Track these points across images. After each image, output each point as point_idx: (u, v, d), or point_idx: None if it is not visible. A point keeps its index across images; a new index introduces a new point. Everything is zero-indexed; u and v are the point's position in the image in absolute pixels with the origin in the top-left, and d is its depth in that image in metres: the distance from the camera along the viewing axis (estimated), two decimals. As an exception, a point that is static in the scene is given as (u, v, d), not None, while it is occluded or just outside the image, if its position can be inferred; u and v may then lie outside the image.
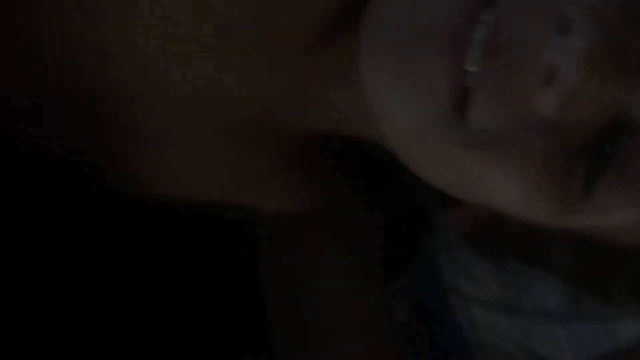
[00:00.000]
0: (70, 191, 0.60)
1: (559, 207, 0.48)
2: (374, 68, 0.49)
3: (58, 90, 0.57)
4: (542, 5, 0.46)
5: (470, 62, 0.46)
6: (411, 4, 0.48)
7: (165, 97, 0.57)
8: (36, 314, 0.58)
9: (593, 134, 0.47)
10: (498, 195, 0.49)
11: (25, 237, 0.59)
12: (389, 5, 0.49)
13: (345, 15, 0.54)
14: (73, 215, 0.60)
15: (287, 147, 0.61)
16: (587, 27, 0.44)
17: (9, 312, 0.57)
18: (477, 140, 0.47)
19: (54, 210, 0.59)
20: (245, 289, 0.63)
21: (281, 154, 0.61)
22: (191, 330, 0.61)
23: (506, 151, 0.47)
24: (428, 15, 0.47)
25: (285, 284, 0.63)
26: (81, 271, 0.60)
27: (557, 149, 0.47)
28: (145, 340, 0.61)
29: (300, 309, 0.62)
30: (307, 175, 0.63)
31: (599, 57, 0.44)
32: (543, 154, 0.47)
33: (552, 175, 0.47)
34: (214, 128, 0.59)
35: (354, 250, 0.65)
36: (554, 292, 0.75)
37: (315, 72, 0.56)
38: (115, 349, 0.60)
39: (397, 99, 0.49)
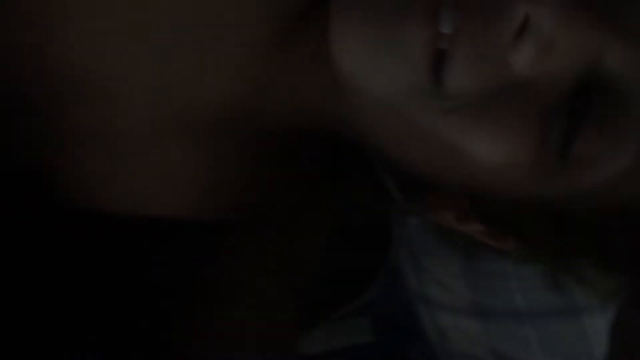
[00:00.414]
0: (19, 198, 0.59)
1: (538, 168, 0.49)
2: (349, 38, 0.49)
3: (16, 86, 0.57)
4: None
5: (444, 24, 0.46)
6: None
7: (135, 97, 0.57)
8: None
9: (566, 88, 0.47)
10: (477, 162, 0.49)
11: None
12: None
13: (313, 3, 0.54)
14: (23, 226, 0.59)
15: (252, 150, 0.61)
16: None
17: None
18: (455, 105, 0.48)
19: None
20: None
21: (245, 158, 0.61)
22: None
23: (483, 113, 0.48)
24: None
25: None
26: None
27: (532, 107, 0.47)
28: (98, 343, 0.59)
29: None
30: (267, 179, 0.62)
31: (573, 6, 0.45)
32: (519, 112, 0.47)
33: (530, 133, 0.47)
34: (181, 130, 0.59)
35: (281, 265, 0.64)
36: (524, 291, 0.75)
37: (286, 62, 0.56)
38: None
39: (373, 68, 0.49)
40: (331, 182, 0.67)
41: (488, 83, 0.47)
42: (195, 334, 0.59)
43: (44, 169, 0.59)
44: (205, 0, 0.55)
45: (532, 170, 0.49)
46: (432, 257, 0.77)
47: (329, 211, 0.67)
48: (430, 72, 0.47)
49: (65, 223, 0.59)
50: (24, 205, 0.59)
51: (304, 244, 0.65)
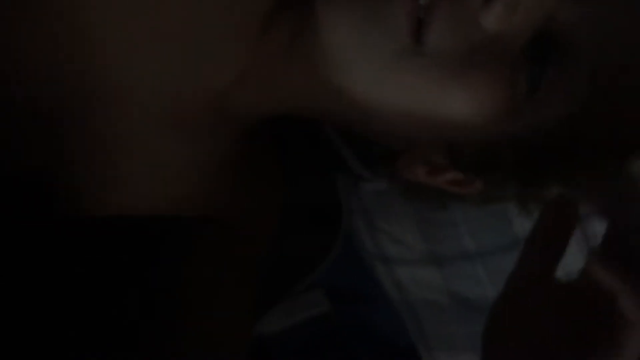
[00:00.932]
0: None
1: (510, 110, 0.58)
2: (337, 13, 0.57)
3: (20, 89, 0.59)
4: None
5: None
6: None
7: (129, 87, 0.61)
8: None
9: (529, 38, 0.57)
10: (456, 111, 0.58)
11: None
12: None
13: None
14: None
15: (232, 143, 0.66)
16: None
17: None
18: (434, 62, 0.56)
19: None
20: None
21: (226, 151, 0.66)
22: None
23: (460, 66, 0.56)
24: None
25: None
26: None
27: (502, 57, 0.57)
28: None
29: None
30: (241, 170, 0.67)
31: None
32: (491, 63, 0.57)
33: (502, 80, 0.57)
34: (172, 127, 0.63)
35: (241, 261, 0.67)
36: (472, 234, 0.85)
37: (269, 52, 0.62)
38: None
39: (361, 38, 0.57)
40: (286, 162, 0.73)
41: (463, 41, 0.56)
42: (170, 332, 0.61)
43: (42, 173, 0.61)
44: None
45: (505, 112, 0.58)
46: (388, 217, 0.85)
47: (282, 189, 0.73)
48: (412, 36, 0.56)
49: (56, 230, 0.60)
50: (17, 212, 0.60)
51: (260, 224, 0.69)
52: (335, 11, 0.58)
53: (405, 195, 0.77)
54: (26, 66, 0.61)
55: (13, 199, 0.60)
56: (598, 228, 0.74)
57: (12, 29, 0.60)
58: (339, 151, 0.77)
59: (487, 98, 0.58)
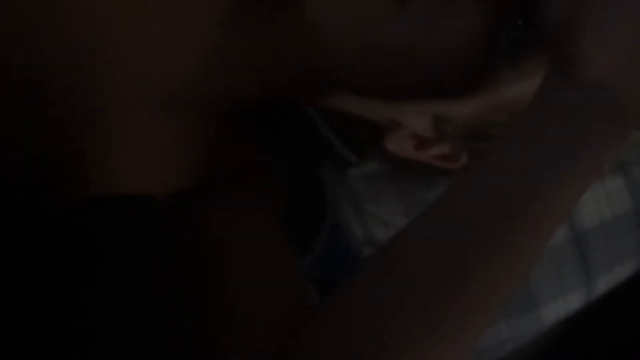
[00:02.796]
0: None
1: (493, 76, 0.60)
2: None
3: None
4: None
5: None
6: None
7: (112, 64, 0.61)
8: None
9: (511, 7, 0.59)
10: (437, 70, 0.60)
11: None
12: None
13: None
14: None
15: (215, 121, 0.67)
16: None
17: None
18: (418, 23, 0.58)
19: None
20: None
21: (210, 129, 0.66)
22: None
23: (444, 24, 0.58)
24: None
25: (197, 252, 0.64)
26: None
27: (484, 17, 0.59)
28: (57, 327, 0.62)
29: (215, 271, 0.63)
30: (225, 146, 0.68)
31: None
32: (474, 23, 0.59)
33: (482, 28, 0.59)
34: (157, 98, 0.63)
35: (262, 213, 0.68)
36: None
37: (245, 28, 0.63)
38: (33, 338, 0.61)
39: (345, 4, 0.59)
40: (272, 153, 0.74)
41: (446, 3, 0.58)
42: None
43: (27, 154, 0.62)
44: None
45: (484, 69, 0.60)
46: (375, 201, 0.87)
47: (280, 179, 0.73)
48: (396, 3, 0.58)
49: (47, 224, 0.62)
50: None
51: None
52: None
53: (393, 174, 0.78)
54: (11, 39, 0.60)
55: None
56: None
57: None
58: (325, 138, 0.78)
59: (469, 45, 0.59)
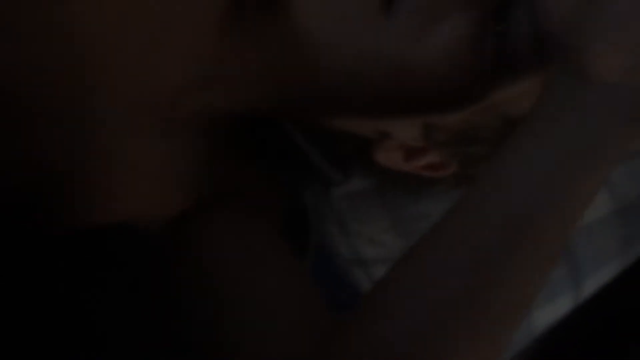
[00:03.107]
0: None
1: (477, 79, 0.61)
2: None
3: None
4: None
5: None
6: None
7: (104, 81, 0.62)
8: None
9: (488, 11, 0.59)
10: (425, 74, 0.60)
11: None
12: None
13: None
14: None
15: (208, 139, 0.67)
16: None
17: None
18: (405, 21, 0.59)
19: None
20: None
21: (203, 147, 0.67)
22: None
23: (430, 32, 0.59)
24: None
25: (202, 273, 0.65)
26: None
27: (467, 26, 0.59)
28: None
29: (227, 293, 0.64)
30: (221, 164, 0.68)
31: None
32: (459, 30, 0.59)
33: (470, 35, 0.59)
34: (147, 117, 0.64)
35: (269, 229, 0.69)
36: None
37: (235, 44, 0.63)
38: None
39: (333, 15, 0.59)
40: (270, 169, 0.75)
41: (433, 7, 0.58)
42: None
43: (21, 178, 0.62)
44: None
45: (472, 77, 0.61)
46: (361, 220, 0.87)
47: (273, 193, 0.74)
48: (383, 8, 0.58)
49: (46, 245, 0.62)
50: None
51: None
52: None
53: (380, 190, 0.78)
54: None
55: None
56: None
57: None
58: (308, 158, 0.78)
59: (456, 52, 0.60)
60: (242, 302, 0.62)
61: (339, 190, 0.86)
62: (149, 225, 0.65)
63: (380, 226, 0.87)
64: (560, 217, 0.54)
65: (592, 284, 0.94)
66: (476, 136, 0.66)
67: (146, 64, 0.62)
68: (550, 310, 0.93)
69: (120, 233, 0.65)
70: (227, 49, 0.63)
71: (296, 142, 0.77)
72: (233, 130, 0.69)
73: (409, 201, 0.84)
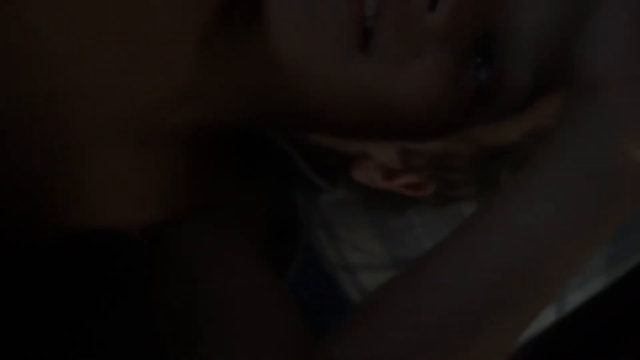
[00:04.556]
0: None
1: (455, 108, 0.60)
2: (283, 16, 0.58)
3: None
4: None
5: (367, 8, 0.57)
6: None
7: (78, 94, 0.61)
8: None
9: (469, 45, 0.59)
10: (402, 107, 0.60)
11: None
12: None
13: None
14: None
15: (189, 151, 0.67)
16: None
17: None
18: (381, 59, 0.58)
19: None
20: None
21: (183, 159, 0.67)
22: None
23: (407, 60, 0.59)
24: None
25: (179, 288, 0.65)
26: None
27: (446, 61, 0.59)
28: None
29: (201, 307, 0.64)
30: (201, 175, 0.68)
31: None
32: (437, 58, 0.59)
33: (448, 72, 0.59)
34: (125, 136, 0.63)
35: (242, 240, 0.69)
36: (430, 236, 0.87)
37: (216, 59, 0.62)
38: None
39: (308, 42, 0.58)
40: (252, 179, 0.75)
41: (409, 42, 0.58)
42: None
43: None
44: (132, 3, 0.60)
45: (451, 111, 0.60)
46: (347, 227, 0.88)
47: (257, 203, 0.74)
48: (359, 45, 0.58)
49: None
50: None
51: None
52: (281, 11, 0.59)
53: (364, 202, 0.79)
54: None
55: None
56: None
57: None
58: (296, 164, 0.79)
59: (433, 87, 0.60)
60: (213, 314, 0.63)
61: (326, 197, 0.87)
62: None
63: (365, 234, 0.88)
64: (584, 246, 0.56)
65: (574, 299, 0.95)
66: (452, 163, 0.67)
67: (123, 81, 0.62)
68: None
69: (103, 237, 0.65)
70: (205, 67, 0.63)
71: (283, 149, 0.77)
72: (213, 143, 0.69)
73: (394, 211, 0.85)
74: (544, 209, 0.55)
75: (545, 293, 0.57)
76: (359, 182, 0.73)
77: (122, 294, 0.65)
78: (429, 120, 0.61)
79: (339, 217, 0.88)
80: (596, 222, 0.55)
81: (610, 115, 0.54)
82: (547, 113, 0.63)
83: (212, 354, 0.61)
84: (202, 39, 0.62)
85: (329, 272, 0.94)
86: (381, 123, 0.62)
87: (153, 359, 0.63)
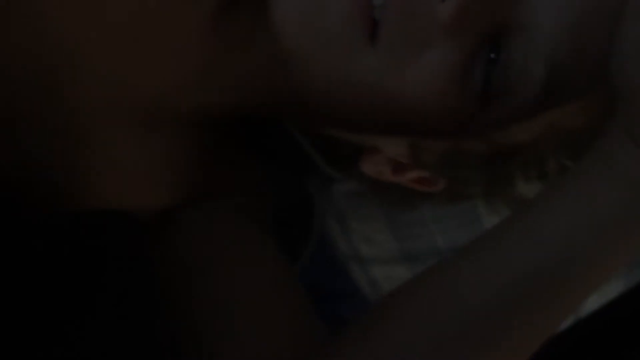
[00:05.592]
0: None
1: (464, 106, 0.59)
2: (290, 14, 0.58)
3: None
4: None
5: None
6: None
7: (85, 79, 0.61)
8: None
9: (480, 39, 0.57)
10: (411, 101, 0.58)
11: None
12: None
13: None
14: None
15: (197, 137, 0.66)
16: None
17: None
18: (389, 52, 0.57)
19: None
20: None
21: (193, 145, 0.66)
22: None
23: (415, 59, 0.57)
24: None
25: (185, 271, 0.65)
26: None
27: (456, 55, 0.57)
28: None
29: (209, 290, 0.64)
30: (208, 160, 0.67)
31: None
32: (445, 51, 0.57)
33: (456, 66, 0.57)
34: (135, 121, 0.63)
35: (251, 230, 0.68)
36: (442, 232, 0.86)
37: (224, 46, 0.61)
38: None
39: (315, 34, 0.58)
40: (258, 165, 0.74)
41: (419, 34, 0.57)
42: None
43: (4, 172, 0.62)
44: None
45: (458, 109, 0.59)
46: (359, 218, 0.87)
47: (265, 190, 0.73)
48: (367, 38, 0.57)
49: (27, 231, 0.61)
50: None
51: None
52: (288, 1, 0.58)
53: (376, 195, 0.78)
54: None
55: None
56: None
57: None
58: (308, 153, 0.78)
59: (441, 81, 0.58)
60: (221, 302, 0.63)
61: (339, 187, 0.86)
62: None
63: (376, 226, 0.87)
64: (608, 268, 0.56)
65: (591, 302, 0.93)
66: (462, 160, 0.65)
67: (133, 67, 0.61)
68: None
69: (109, 218, 0.65)
70: (213, 55, 0.61)
71: (296, 138, 0.76)
72: (222, 130, 0.68)
73: (405, 205, 0.83)
74: (583, 216, 0.55)
75: (577, 296, 0.57)
76: (367, 175, 0.71)
77: (124, 275, 0.65)
78: (437, 116, 0.59)
79: (350, 208, 0.87)
80: (632, 232, 0.55)
81: None
82: (560, 113, 0.61)
83: (211, 350, 0.61)
84: (214, 20, 0.61)
85: (341, 261, 0.93)
86: (388, 117, 0.61)
87: (153, 348, 0.63)
